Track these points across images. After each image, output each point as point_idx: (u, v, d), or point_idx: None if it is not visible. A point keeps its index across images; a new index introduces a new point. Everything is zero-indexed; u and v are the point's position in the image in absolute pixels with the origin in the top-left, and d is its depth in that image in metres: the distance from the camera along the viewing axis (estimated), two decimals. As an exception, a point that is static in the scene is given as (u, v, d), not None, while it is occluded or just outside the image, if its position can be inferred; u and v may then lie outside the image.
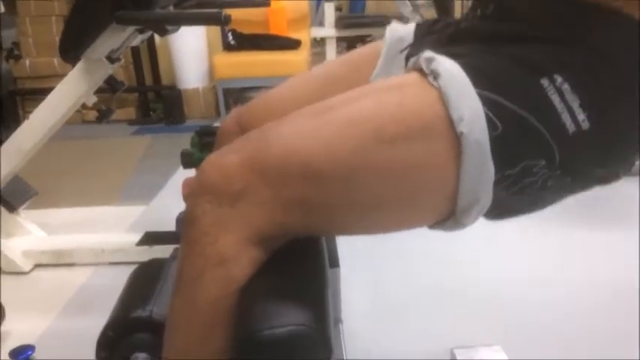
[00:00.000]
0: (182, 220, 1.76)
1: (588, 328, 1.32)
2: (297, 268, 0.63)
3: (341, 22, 3.69)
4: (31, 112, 1.66)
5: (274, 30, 3.51)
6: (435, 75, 0.63)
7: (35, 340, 1.40)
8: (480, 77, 0.62)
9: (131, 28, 1.49)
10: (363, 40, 4.35)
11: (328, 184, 0.61)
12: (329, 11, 3.73)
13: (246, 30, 3.40)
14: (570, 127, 0.61)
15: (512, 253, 1.72)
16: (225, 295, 0.61)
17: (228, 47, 3.40)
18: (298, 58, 3.29)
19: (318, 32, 3.75)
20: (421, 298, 1.50)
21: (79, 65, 1.56)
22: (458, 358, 1.19)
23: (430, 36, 0.84)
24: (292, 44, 3.38)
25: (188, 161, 1.67)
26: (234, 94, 3.49)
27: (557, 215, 1.92)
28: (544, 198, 0.69)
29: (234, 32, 3.38)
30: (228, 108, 3.43)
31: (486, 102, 0.60)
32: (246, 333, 0.54)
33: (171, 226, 1.80)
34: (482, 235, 1.80)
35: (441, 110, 0.61)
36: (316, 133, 0.62)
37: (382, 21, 3.73)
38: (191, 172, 1.70)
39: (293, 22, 3.51)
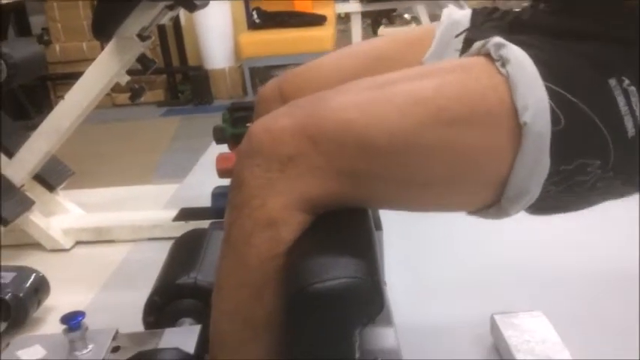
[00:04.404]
0: (218, 194, 1.77)
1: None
2: (344, 226, 0.63)
3: (365, -3, 3.65)
4: (62, 96, 1.70)
5: (299, 7, 3.49)
6: (504, 61, 0.62)
7: (81, 312, 1.44)
8: (547, 69, 0.61)
9: (161, 5, 1.50)
10: (388, 14, 4.29)
11: (383, 158, 0.61)
12: (353, -14, 3.67)
13: (270, 8, 3.38)
14: (631, 130, 0.61)
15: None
16: (274, 255, 0.62)
17: (253, 26, 3.40)
18: (324, 33, 3.26)
19: (343, 8, 3.70)
20: (460, 266, 1.50)
21: (111, 44, 1.58)
22: (498, 323, 1.18)
23: (489, 23, 0.83)
24: (318, 20, 3.35)
25: (220, 137, 1.69)
26: (261, 73, 3.50)
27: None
28: (589, 199, 0.70)
29: (258, 10, 3.37)
30: (254, 87, 3.44)
31: (552, 95, 0.60)
32: (298, 287, 0.54)
33: (204, 202, 1.83)
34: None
35: (506, 97, 0.60)
36: (376, 106, 0.62)
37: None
38: (223, 148, 1.73)
39: (317, -2, 3.48)
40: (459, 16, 0.88)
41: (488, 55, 0.65)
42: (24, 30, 3.44)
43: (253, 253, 0.63)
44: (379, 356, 0.82)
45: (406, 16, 4.38)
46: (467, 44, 0.82)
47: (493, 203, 0.66)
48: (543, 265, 1.49)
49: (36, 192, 1.82)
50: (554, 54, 0.64)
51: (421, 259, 1.57)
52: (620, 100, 0.61)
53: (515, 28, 0.76)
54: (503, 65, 0.62)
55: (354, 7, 3.60)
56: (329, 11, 3.52)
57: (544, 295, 1.36)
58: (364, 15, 3.91)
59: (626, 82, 0.61)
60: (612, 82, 0.61)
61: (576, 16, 0.69)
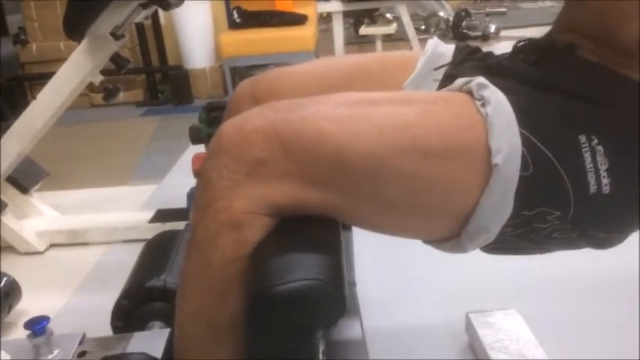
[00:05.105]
0: (193, 195, 1.75)
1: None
2: (310, 227, 0.62)
3: (347, -4, 3.64)
4: (37, 97, 1.66)
5: (280, 6, 3.48)
6: (485, 102, 0.64)
7: (52, 316, 1.41)
8: (523, 116, 0.64)
9: (134, 3, 1.47)
10: (370, 14, 4.29)
11: (354, 175, 0.61)
12: (334, -15, 3.66)
13: (251, 7, 3.36)
14: (592, 187, 0.64)
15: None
16: (239, 257, 0.61)
17: (233, 25, 3.37)
18: (305, 33, 3.26)
19: (324, 7, 3.69)
20: (437, 265, 1.49)
21: (84, 43, 1.55)
22: (473, 322, 1.18)
23: (470, 62, 0.85)
24: (299, 20, 3.34)
25: (197, 137, 1.67)
26: (241, 73, 3.47)
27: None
28: (544, 246, 0.72)
29: (239, 10, 3.35)
30: (235, 87, 3.42)
31: (525, 142, 0.63)
32: (260, 289, 0.54)
33: (182, 203, 1.81)
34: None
35: (482, 137, 0.62)
36: (355, 123, 0.62)
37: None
38: (200, 148, 1.71)
39: (298, -2, 3.47)
40: (442, 49, 0.90)
41: (470, 92, 0.66)
42: (0, 29, 3.38)
43: (217, 255, 0.62)
44: (345, 348, 0.82)
45: (388, 15, 4.39)
46: (446, 78, 0.83)
47: (452, 236, 0.67)
48: (527, 265, 1.48)
49: (9, 194, 1.79)
50: (530, 102, 0.66)
51: (396, 258, 1.57)
52: (587, 157, 0.63)
53: (494, 71, 0.77)
54: (484, 105, 0.64)
55: (336, 7, 3.59)
56: (310, 11, 3.50)
57: (530, 296, 1.35)
58: (346, 14, 3.90)
59: (595, 140, 0.64)
60: (582, 138, 0.64)
61: (551, 70, 0.71)
